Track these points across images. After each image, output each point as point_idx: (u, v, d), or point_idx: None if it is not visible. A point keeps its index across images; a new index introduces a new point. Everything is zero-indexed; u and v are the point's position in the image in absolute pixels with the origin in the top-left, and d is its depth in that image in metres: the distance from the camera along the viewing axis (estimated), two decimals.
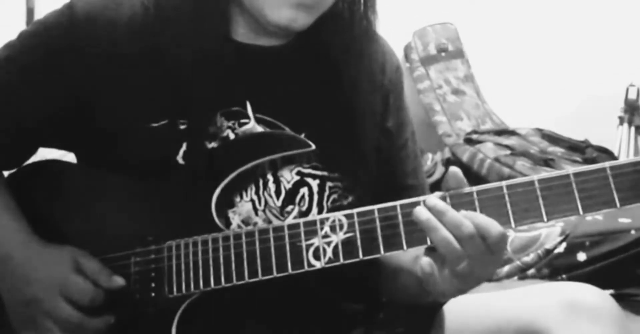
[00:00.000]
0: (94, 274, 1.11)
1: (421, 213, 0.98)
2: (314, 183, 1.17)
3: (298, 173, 1.16)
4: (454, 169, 1.00)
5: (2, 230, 1.14)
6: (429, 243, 1.01)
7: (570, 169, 0.98)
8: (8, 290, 1.14)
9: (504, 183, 1.00)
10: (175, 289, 1.10)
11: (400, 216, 1.02)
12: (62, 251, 1.13)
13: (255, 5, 1.11)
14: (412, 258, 1.09)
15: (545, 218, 0.97)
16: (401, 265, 1.15)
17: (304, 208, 1.16)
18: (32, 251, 1.13)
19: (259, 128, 1.15)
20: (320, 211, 1.16)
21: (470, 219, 0.96)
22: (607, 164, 0.97)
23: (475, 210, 0.99)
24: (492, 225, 0.96)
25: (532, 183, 0.98)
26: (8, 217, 1.16)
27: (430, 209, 0.98)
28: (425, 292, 1.04)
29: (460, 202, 1.00)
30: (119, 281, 1.11)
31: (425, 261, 0.99)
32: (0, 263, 1.14)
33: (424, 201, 0.99)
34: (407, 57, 3.87)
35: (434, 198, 0.99)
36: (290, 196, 1.15)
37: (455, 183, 0.99)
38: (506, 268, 2.49)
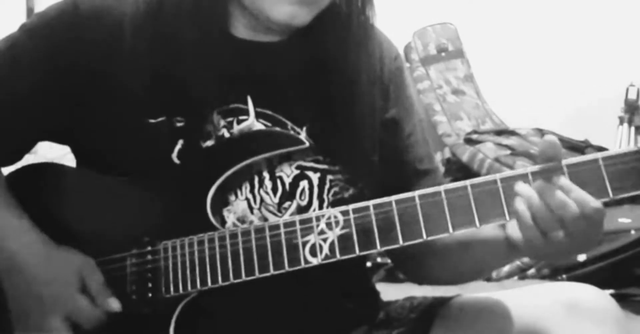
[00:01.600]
0: (96, 293, 1.11)
1: (518, 185, 0.99)
2: (315, 177, 1.16)
3: (298, 167, 1.16)
4: (551, 138, 1.00)
5: (7, 230, 1.13)
6: (424, 237, 1.01)
7: (562, 160, 0.99)
8: (11, 291, 1.14)
9: (497, 175, 1.01)
10: (172, 289, 1.09)
11: (395, 211, 1.02)
12: (69, 262, 1.12)
13: (255, 1, 1.11)
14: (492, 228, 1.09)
15: None
16: (474, 235, 1.13)
17: (304, 202, 1.16)
18: (36, 254, 1.11)
19: (258, 124, 1.15)
20: (320, 205, 1.16)
21: (569, 193, 0.97)
22: (599, 155, 0.98)
23: (469, 203, 1.00)
24: (590, 201, 0.97)
25: (525, 175, 1.00)
26: (9, 215, 1.15)
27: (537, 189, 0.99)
28: (510, 254, 1.07)
29: (456, 196, 1.01)
30: (114, 306, 1.10)
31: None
32: (5, 268, 1.13)
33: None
34: (407, 57, 3.87)
35: (541, 183, 0.99)
36: (289, 192, 1.15)
37: (553, 153, 0.99)
38: (506, 268, 2.50)
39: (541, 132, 3.52)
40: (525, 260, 2.47)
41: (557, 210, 0.97)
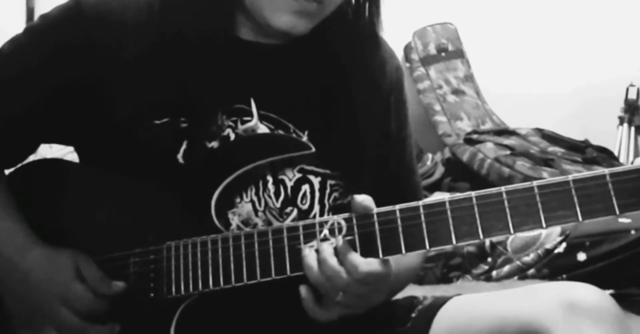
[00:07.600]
0: (94, 282, 1.11)
1: (304, 249, 1.03)
2: (316, 181, 1.17)
3: (300, 170, 1.16)
4: (359, 199, 1.03)
5: (2, 232, 1.14)
6: (427, 247, 1.01)
7: (569, 176, 0.97)
8: (10, 295, 1.14)
9: (503, 188, 0.99)
10: (174, 290, 1.10)
11: (399, 220, 1.02)
12: (63, 255, 1.12)
13: (257, 8, 1.12)
14: None
15: (544, 225, 0.97)
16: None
17: (305, 206, 1.16)
18: (33, 256, 1.12)
19: (261, 126, 1.15)
20: (321, 210, 1.17)
21: (344, 260, 1.01)
22: (607, 171, 0.96)
23: (474, 215, 0.99)
24: (359, 265, 1.00)
25: (531, 189, 0.98)
26: (8, 219, 1.15)
27: (318, 252, 1.02)
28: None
29: (460, 207, 0.99)
30: (119, 285, 1.11)
31: (302, 287, 1.04)
32: (1, 267, 1.13)
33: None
34: (407, 57, 3.87)
35: (326, 244, 1.03)
36: (291, 197, 1.15)
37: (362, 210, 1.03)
38: (506, 268, 2.49)
39: (541, 132, 3.52)
40: (526, 259, 2.47)
41: (330, 279, 1.01)
